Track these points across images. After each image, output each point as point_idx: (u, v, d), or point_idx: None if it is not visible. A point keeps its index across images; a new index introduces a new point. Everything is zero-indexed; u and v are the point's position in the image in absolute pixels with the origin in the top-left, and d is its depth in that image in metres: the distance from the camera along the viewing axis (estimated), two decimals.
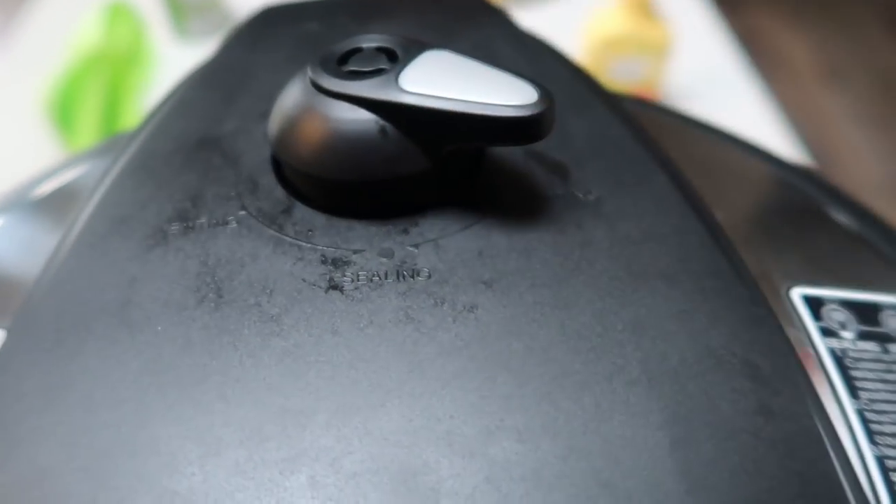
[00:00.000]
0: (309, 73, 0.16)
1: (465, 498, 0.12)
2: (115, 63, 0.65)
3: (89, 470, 0.12)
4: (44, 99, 0.59)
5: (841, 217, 0.19)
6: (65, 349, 0.14)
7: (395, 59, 0.16)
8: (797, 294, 0.16)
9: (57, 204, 0.23)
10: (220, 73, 0.20)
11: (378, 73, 0.15)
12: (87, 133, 0.63)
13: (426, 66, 0.15)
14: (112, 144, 0.25)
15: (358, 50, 0.16)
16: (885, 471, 0.13)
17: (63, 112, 0.62)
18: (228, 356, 0.14)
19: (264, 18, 0.23)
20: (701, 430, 0.12)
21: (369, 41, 0.17)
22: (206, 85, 0.20)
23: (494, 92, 0.15)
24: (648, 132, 0.19)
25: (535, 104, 0.14)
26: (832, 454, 0.12)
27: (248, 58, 0.21)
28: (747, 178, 0.21)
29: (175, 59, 0.73)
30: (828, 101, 1.77)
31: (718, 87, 0.68)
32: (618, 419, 0.13)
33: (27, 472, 0.13)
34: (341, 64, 0.16)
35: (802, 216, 0.19)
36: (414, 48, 0.16)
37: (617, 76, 0.62)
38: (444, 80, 0.15)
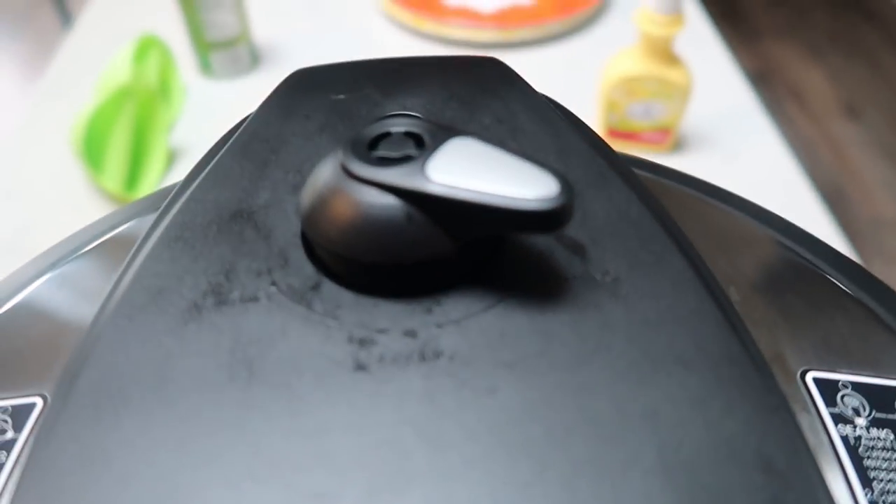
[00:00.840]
0: (340, 157, 0.17)
1: None
2: (144, 97, 0.67)
3: None
4: (72, 133, 0.60)
5: (859, 295, 0.19)
6: (104, 422, 0.15)
7: (422, 144, 0.17)
8: (811, 378, 0.17)
9: (94, 268, 0.24)
10: (253, 142, 0.21)
11: (406, 160, 0.16)
12: (115, 168, 0.64)
13: (452, 154, 0.16)
14: (150, 202, 0.26)
15: (387, 134, 0.17)
16: None
17: (91, 146, 0.63)
18: (258, 435, 0.14)
19: (295, 83, 0.24)
20: None
21: (398, 125, 0.17)
22: (239, 154, 0.21)
23: (517, 183, 0.15)
24: (663, 206, 0.20)
25: (555, 198, 0.15)
26: None
27: (279, 127, 0.22)
28: (763, 252, 0.22)
29: (201, 94, 0.75)
30: (845, 135, 1.76)
31: (734, 126, 0.68)
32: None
33: None
34: (371, 148, 0.17)
35: (819, 294, 0.20)
36: (440, 134, 0.17)
37: (635, 117, 0.63)
38: (469, 170, 0.16)
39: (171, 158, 0.68)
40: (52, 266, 0.23)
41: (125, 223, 0.25)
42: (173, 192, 0.20)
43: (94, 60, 0.76)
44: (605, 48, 0.70)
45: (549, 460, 0.14)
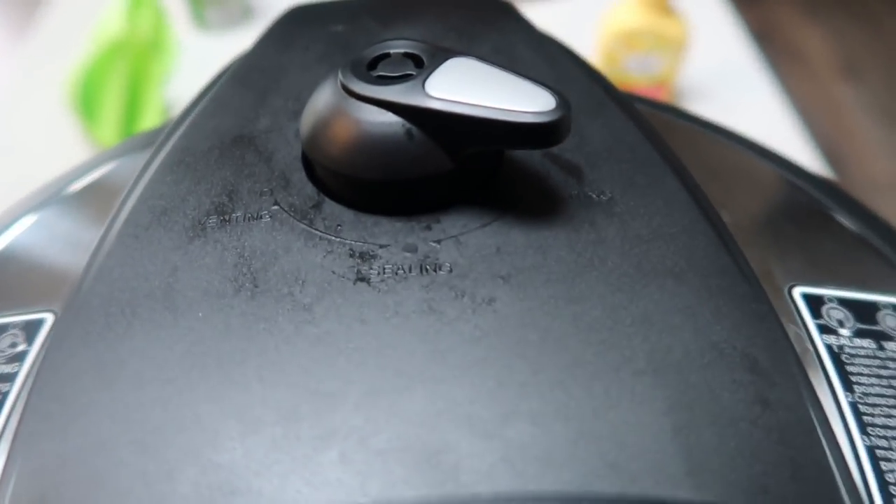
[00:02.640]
0: (340, 77, 0.17)
1: (483, 475, 0.13)
2: (137, 52, 0.66)
3: (140, 443, 0.14)
4: (67, 88, 0.60)
5: (844, 219, 0.20)
6: (114, 332, 0.15)
7: (421, 64, 0.17)
8: (798, 292, 0.17)
9: (89, 200, 0.24)
10: (252, 73, 0.21)
11: (405, 78, 0.16)
12: (110, 122, 0.64)
13: (451, 72, 0.16)
14: (136, 142, 0.26)
15: (386, 55, 0.17)
16: (874, 460, 0.14)
17: (86, 101, 0.63)
18: (265, 341, 0.15)
19: (292, 18, 0.24)
20: (702, 418, 0.13)
21: (397, 47, 0.17)
22: (239, 84, 0.21)
23: (514, 98, 0.16)
24: (660, 135, 0.20)
25: (552, 111, 0.15)
26: (824, 442, 0.13)
27: (278, 58, 0.22)
28: (754, 180, 0.22)
29: (194, 49, 0.74)
30: (843, 96, 1.74)
31: (733, 83, 0.68)
32: (625, 406, 0.14)
33: (82, 445, 0.14)
34: (370, 69, 0.17)
35: (806, 217, 0.20)
36: (439, 54, 0.17)
37: (632, 71, 0.63)
38: (468, 87, 0.16)
39: (166, 111, 0.68)
40: (53, 197, 0.23)
41: (121, 157, 0.25)
42: (174, 120, 0.21)
43: (85, 14, 0.74)
44: (604, 3, 0.69)
45: (544, 363, 0.14)
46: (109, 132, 0.63)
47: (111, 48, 0.63)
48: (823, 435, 0.14)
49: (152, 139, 0.25)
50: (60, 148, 0.64)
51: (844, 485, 0.13)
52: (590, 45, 0.65)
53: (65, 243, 0.22)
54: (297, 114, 0.20)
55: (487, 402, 0.14)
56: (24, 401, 0.15)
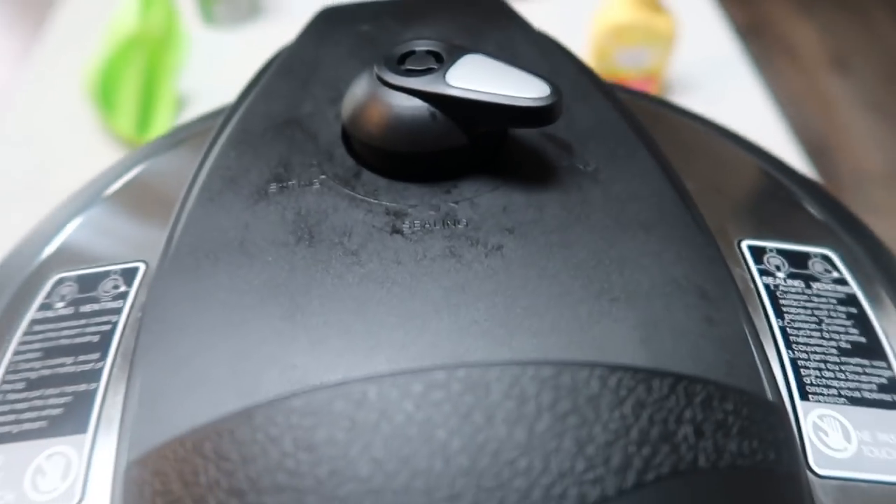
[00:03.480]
0: (375, 70, 0.21)
1: (498, 370, 0.17)
2: (151, 46, 0.70)
3: (231, 350, 0.18)
4: (85, 81, 0.63)
5: (788, 186, 0.24)
6: (203, 271, 0.19)
7: (441, 60, 0.21)
8: (745, 244, 0.22)
9: (130, 198, 0.28)
10: (294, 65, 0.25)
11: (429, 71, 0.21)
12: (127, 112, 0.68)
13: (466, 66, 0.20)
14: (162, 143, 0.30)
15: (412, 52, 0.21)
16: (796, 367, 0.19)
17: (104, 93, 0.67)
18: (322, 278, 0.19)
19: (325, 18, 0.28)
20: (662, 331, 0.18)
21: (421, 46, 0.22)
22: (284, 74, 0.25)
23: (516, 87, 0.20)
24: (636, 117, 0.24)
25: (547, 97, 0.19)
26: (754, 351, 0.18)
27: (315, 52, 0.26)
28: (714, 156, 0.26)
29: (203, 43, 0.78)
30: (833, 89, 1.77)
31: (718, 76, 0.72)
32: (603, 323, 0.18)
33: (179, 355, 0.18)
34: (400, 63, 0.21)
35: (757, 185, 0.24)
36: (456, 52, 0.21)
37: (622, 64, 0.66)
38: (480, 78, 0.20)
39: (179, 103, 0.72)
40: (96, 196, 0.27)
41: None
42: (231, 105, 0.25)
43: (98, 11, 0.78)
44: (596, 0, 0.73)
45: (541, 293, 0.19)
46: (127, 122, 0.67)
47: (127, 43, 0.67)
48: (754, 345, 0.18)
49: (182, 134, 0.29)
50: (80, 138, 0.68)
51: (767, 381, 0.17)
52: (583, 40, 0.69)
53: (137, 219, 0.26)
54: (334, 100, 0.24)
55: (498, 321, 0.18)
56: (131, 327, 0.19)
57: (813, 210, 0.23)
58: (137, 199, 0.27)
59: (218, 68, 0.73)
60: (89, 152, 0.66)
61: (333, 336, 0.18)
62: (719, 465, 0.14)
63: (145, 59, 0.69)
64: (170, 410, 0.16)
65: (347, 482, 0.15)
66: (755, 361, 0.17)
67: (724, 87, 0.70)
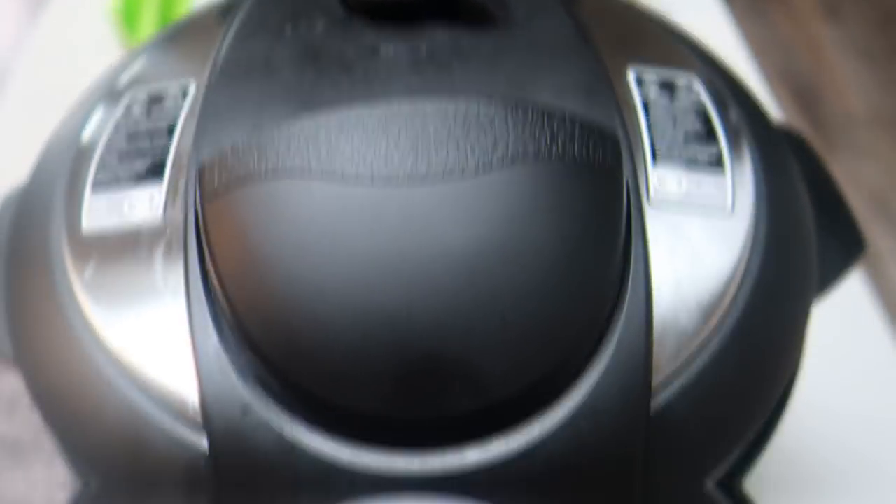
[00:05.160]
0: None
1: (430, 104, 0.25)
2: None
3: (272, 125, 0.26)
4: (107, 2, 0.70)
5: (671, 33, 0.32)
6: (241, 79, 0.28)
7: None
8: (631, 73, 0.30)
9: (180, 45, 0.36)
10: None
11: None
12: (148, 31, 0.75)
13: None
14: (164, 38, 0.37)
15: None
16: (652, 144, 0.27)
17: (127, 13, 0.73)
18: (335, 78, 0.27)
19: None
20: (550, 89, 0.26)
21: None
22: None
23: None
24: None
25: None
26: (619, 131, 0.26)
27: None
28: (631, 24, 0.34)
29: None
30: (824, 35, 1.80)
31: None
32: (511, 91, 0.26)
33: (236, 129, 0.26)
34: None
35: (648, 39, 0.33)
36: None
37: None
38: None
39: None
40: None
41: None
42: None
43: None
44: None
45: (482, 89, 0.27)
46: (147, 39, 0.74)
47: None
48: (621, 130, 0.26)
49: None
50: (104, 55, 0.75)
51: (625, 148, 0.25)
52: None
53: (181, 54, 0.34)
54: None
55: (440, 92, 0.26)
56: (188, 119, 0.27)
57: (692, 55, 0.31)
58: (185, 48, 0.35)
59: None
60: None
61: (347, 108, 0.26)
62: (565, 158, 0.23)
63: None
64: (218, 139, 0.25)
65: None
66: (618, 136, 0.26)
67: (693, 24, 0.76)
